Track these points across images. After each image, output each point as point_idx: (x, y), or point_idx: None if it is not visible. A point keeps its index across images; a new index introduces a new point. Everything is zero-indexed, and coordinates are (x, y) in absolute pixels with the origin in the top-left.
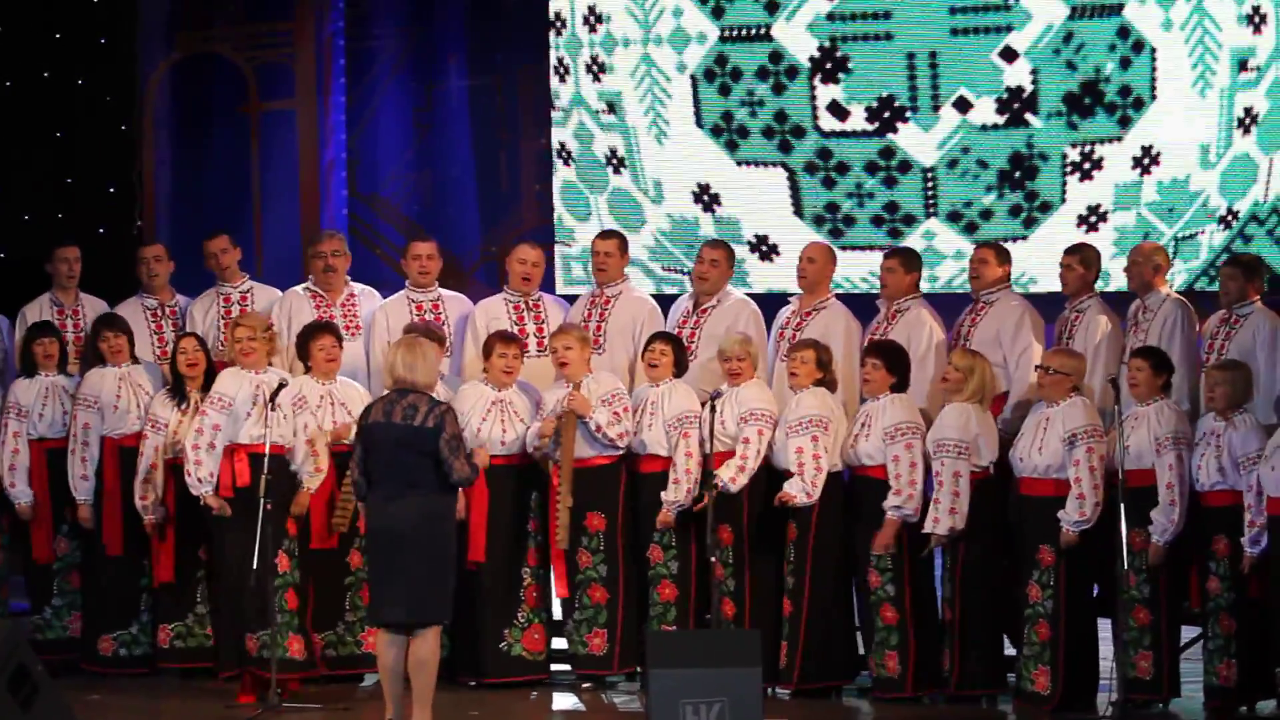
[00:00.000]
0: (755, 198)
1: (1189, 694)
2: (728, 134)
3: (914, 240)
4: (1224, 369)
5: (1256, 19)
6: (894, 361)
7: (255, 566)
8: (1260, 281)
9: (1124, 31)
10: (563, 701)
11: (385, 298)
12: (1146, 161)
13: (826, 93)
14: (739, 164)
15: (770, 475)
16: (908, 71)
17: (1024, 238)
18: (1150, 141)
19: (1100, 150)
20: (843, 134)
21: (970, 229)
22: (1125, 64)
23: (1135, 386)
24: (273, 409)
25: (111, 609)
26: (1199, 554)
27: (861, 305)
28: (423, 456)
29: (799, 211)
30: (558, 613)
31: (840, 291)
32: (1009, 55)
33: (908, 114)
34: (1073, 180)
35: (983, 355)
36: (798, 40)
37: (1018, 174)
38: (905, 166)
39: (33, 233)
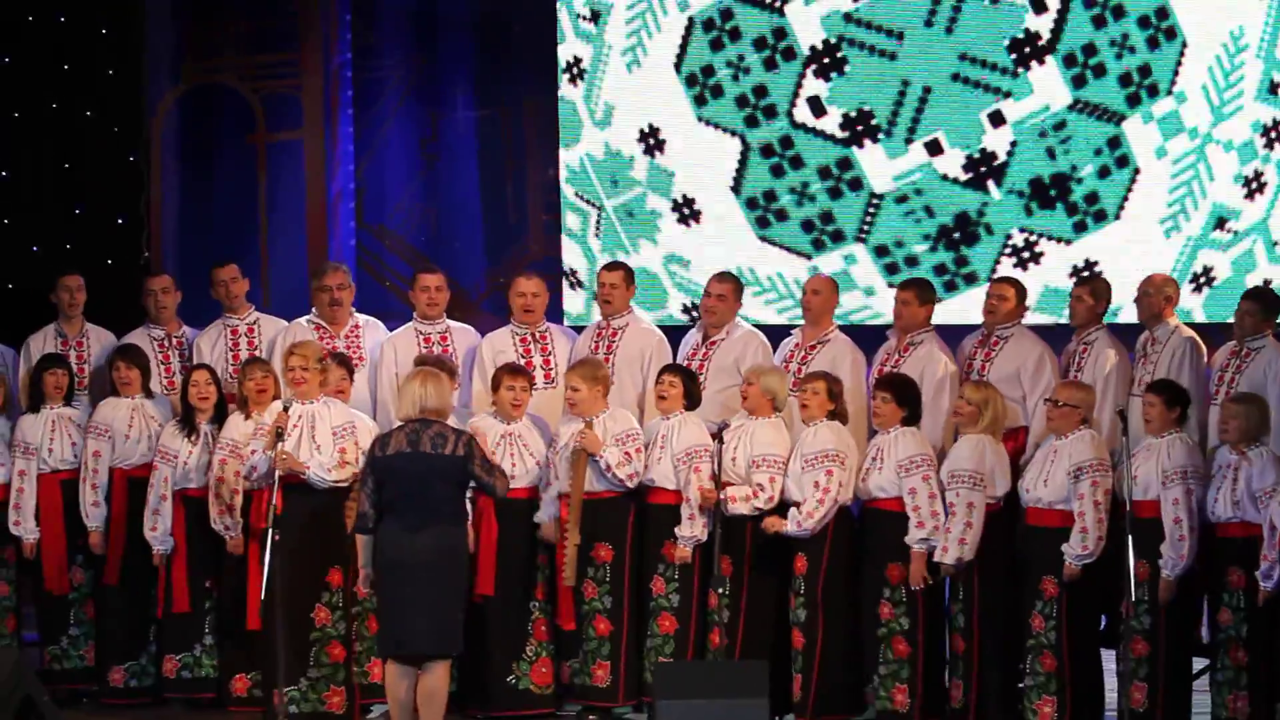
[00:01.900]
0: (699, 158)
1: None
2: (701, 87)
3: (833, 259)
4: (1239, 402)
5: (1254, 184)
6: (904, 395)
7: (263, 599)
8: (1275, 316)
9: (1115, 141)
10: None
11: (391, 328)
12: (1086, 275)
13: (813, 86)
14: (699, 119)
15: (779, 509)
16: (897, 96)
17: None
18: (1097, 258)
19: (1045, 246)
20: (811, 130)
21: (891, 269)
22: (1104, 173)
23: (1150, 422)
24: (282, 440)
25: (121, 640)
26: (1212, 585)
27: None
28: (449, 486)
29: (736, 188)
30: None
31: (753, 295)
32: (996, 119)
33: (879, 135)
34: (1007, 263)
35: (994, 387)
36: (807, 26)
37: (957, 235)
38: (856, 184)
39: (40, 263)
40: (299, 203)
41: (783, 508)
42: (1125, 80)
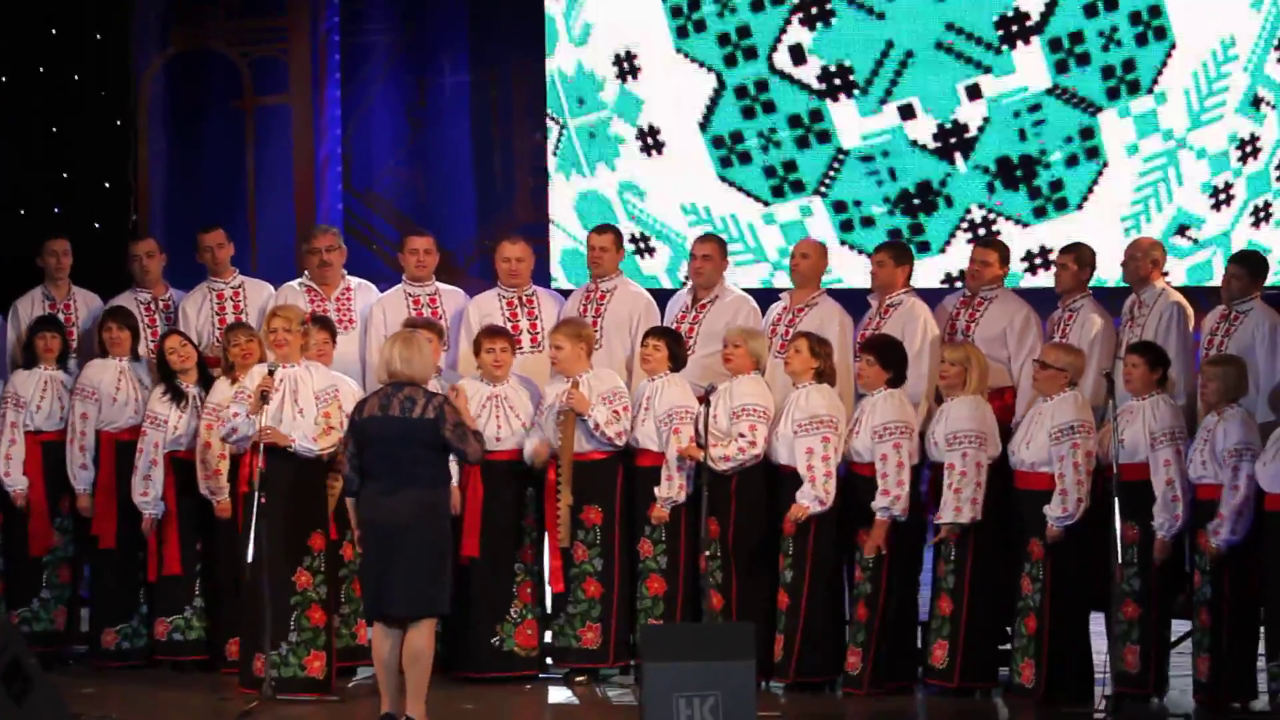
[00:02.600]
0: (672, 90)
1: (1181, 688)
2: (685, 19)
3: (790, 208)
4: (1217, 364)
5: (1222, 195)
6: (888, 357)
7: (249, 561)
8: (1263, 280)
9: (1088, 132)
10: (557, 695)
11: (381, 292)
12: (1038, 263)
13: (796, 33)
14: (678, 51)
15: (767, 470)
16: (879, 55)
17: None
18: (1053, 245)
19: (1002, 226)
20: (788, 77)
21: (846, 226)
22: (1072, 161)
23: (1130, 382)
24: (266, 403)
25: (113, 603)
26: (1189, 548)
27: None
28: (422, 449)
29: (704, 125)
30: (550, 607)
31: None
32: (973, 92)
33: (855, 92)
34: (961, 237)
35: (973, 346)
36: None
37: (917, 201)
38: (824, 137)
39: (27, 227)
40: (286, 167)
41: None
42: (1108, 73)
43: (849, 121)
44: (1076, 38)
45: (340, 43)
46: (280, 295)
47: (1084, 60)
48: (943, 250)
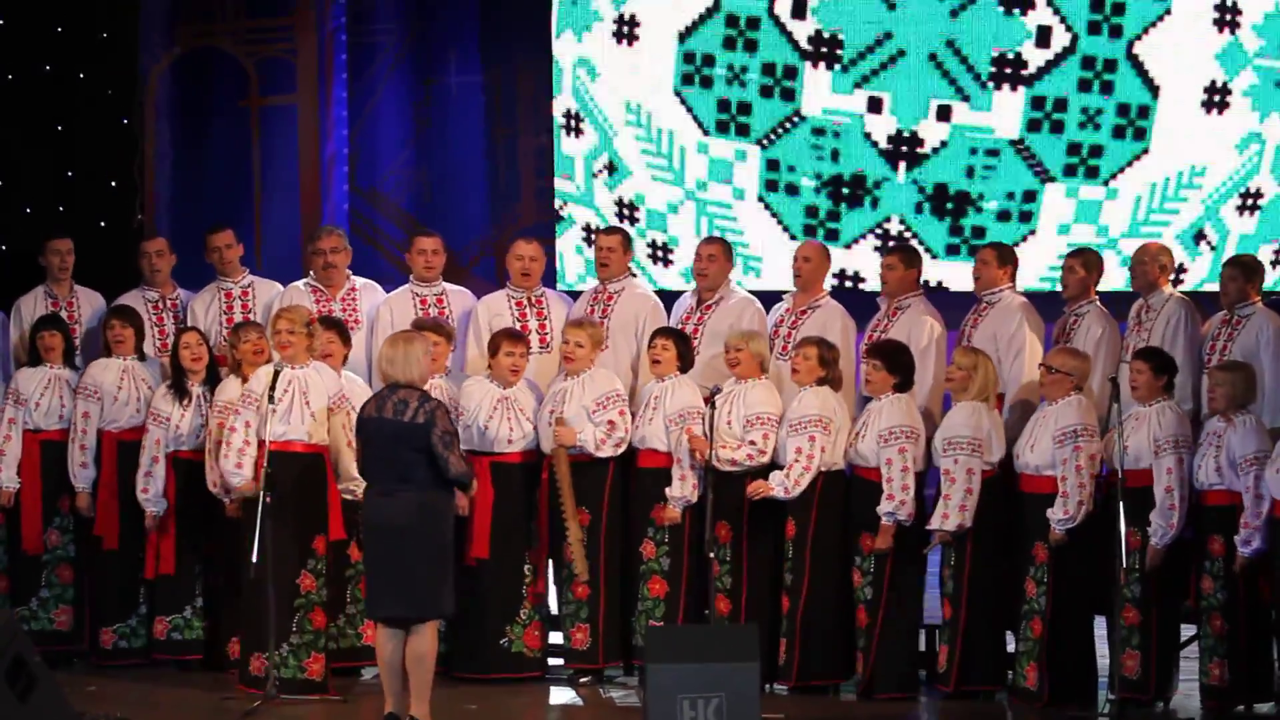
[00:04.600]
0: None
1: (1187, 692)
2: None
3: (725, 147)
4: (1225, 370)
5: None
6: (894, 362)
7: (255, 561)
8: (1260, 282)
9: (1030, 196)
10: (560, 696)
11: (387, 291)
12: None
13: None
14: None
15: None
16: (872, 41)
17: (795, 239)
18: (949, 285)
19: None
20: (781, 26)
21: (770, 185)
22: (1004, 216)
23: (1136, 388)
24: (271, 403)
25: (112, 602)
26: (1196, 553)
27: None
28: (416, 452)
29: (684, 37)
30: (554, 608)
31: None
32: (943, 114)
33: (835, 65)
34: (869, 241)
35: (984, 353)
36: None
37: (845, 191)
38: (789, 94)
39: (33, 226)
40: (292, 167)
41: (769, 470)
42: (1073, 149)
43: (818, 91)
44: (1060, 104)
45: (347, 42)
46: (286, 296)
47: (1058, 128)
48: (848, 246)
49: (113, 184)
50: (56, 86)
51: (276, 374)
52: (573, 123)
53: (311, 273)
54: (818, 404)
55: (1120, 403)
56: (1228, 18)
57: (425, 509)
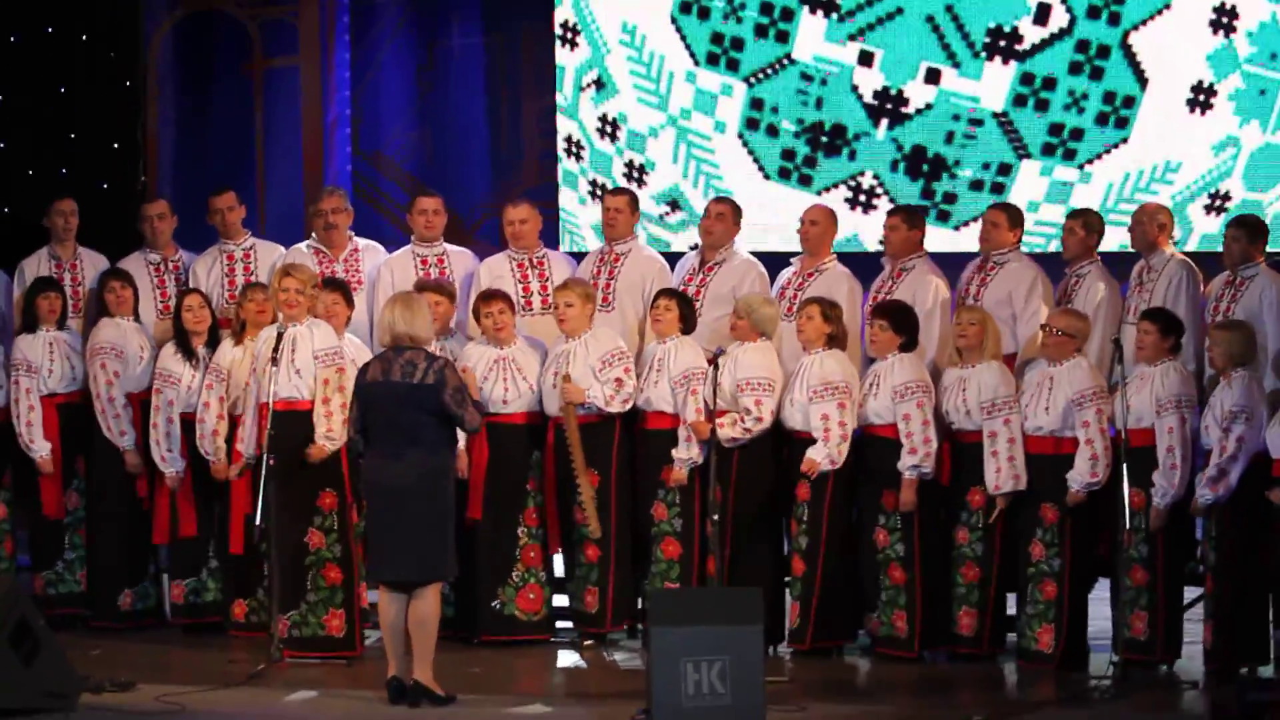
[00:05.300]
0: None
1: (1190, 655)
2: None
3: (711, 80)
4: (1223, 328)
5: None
6: (900, 322)
7: (258, 523)
8: (1264, 243)
9: (1005, 169)
10: (565, 659)
11: (389, 253)
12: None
13: None
14: None
15: (776, 436)
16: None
17: (768, 179)
18: None
19: (879, 203)
20: None
21: (751, 124)
22: (976, 185)
23: (1142, 349)
24: (275, 364)
25: (125, 564)
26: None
27: None
28: (424, 414)
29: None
30: (559, 570)
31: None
32: (931, 76)
33: (832, 14)
34: (841, 191)
35: (985, 310)
36: None
37: (824, 139)
38: (782, 36)
39: (35, 188)
40: (295, 129)
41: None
42: (1055, 129)
43: (811, 37)
44: (1049, 83)
45: (349, 5)
46: (289, 258)
47: (1043, 106)
48: (819, 194)
49: (115, 146)
50: (59, 48)
51: (280, 336)
52: (569, 35)
53: (313, 234)
54: (839, 370)
55: (1123, 364)
56: (1224, 21)
57: (430, 471)
